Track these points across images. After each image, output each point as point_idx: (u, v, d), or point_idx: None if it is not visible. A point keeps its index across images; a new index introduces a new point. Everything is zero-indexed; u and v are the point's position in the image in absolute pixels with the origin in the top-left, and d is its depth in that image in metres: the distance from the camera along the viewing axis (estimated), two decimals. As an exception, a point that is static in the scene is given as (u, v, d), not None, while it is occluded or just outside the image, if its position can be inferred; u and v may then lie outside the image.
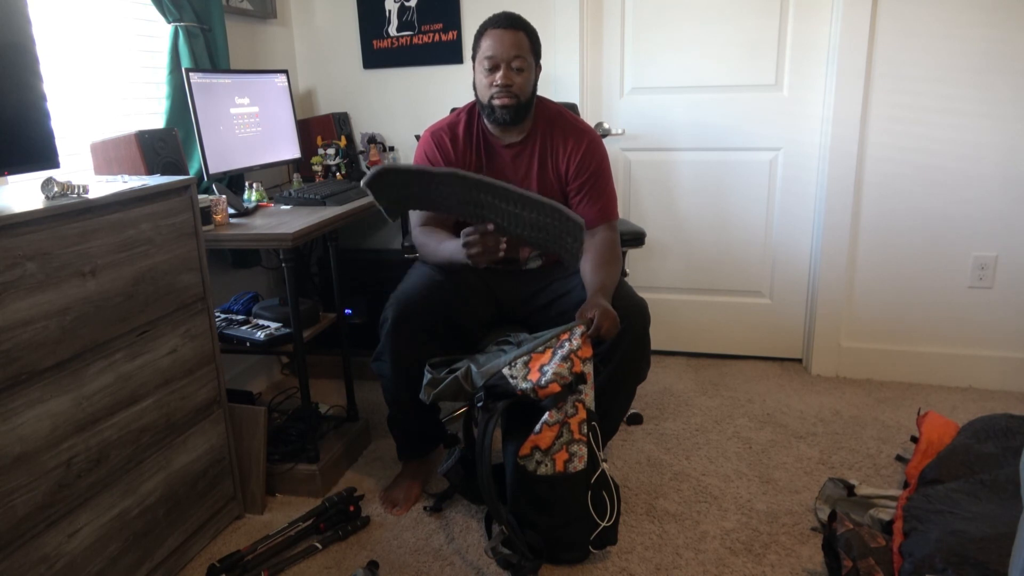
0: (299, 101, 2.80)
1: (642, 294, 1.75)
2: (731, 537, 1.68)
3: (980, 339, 2.42)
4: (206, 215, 1.80)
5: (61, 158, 1.39)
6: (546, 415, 1.50)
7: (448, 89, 2.69)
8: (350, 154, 2.67)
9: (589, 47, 2.57)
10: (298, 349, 1.85)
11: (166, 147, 1.87)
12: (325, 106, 2.86)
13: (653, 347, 1.76)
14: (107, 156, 1.82)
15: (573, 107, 2.30)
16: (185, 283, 1.60)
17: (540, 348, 1.52)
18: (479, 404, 1.55)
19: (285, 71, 2.43)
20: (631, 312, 1.64)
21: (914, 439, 1.95)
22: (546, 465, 1.52)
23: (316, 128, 2.64)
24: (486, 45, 1.69)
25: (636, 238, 2.11)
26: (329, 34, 2.77)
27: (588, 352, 1.51)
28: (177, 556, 1.61)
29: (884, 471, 1.93)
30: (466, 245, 1.54)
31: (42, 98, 1.33)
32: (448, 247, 1.66)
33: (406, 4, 2.64)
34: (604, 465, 1.59)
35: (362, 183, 1.46)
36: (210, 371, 1.70)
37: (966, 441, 1.73)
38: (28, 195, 1.36)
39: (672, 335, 2.78)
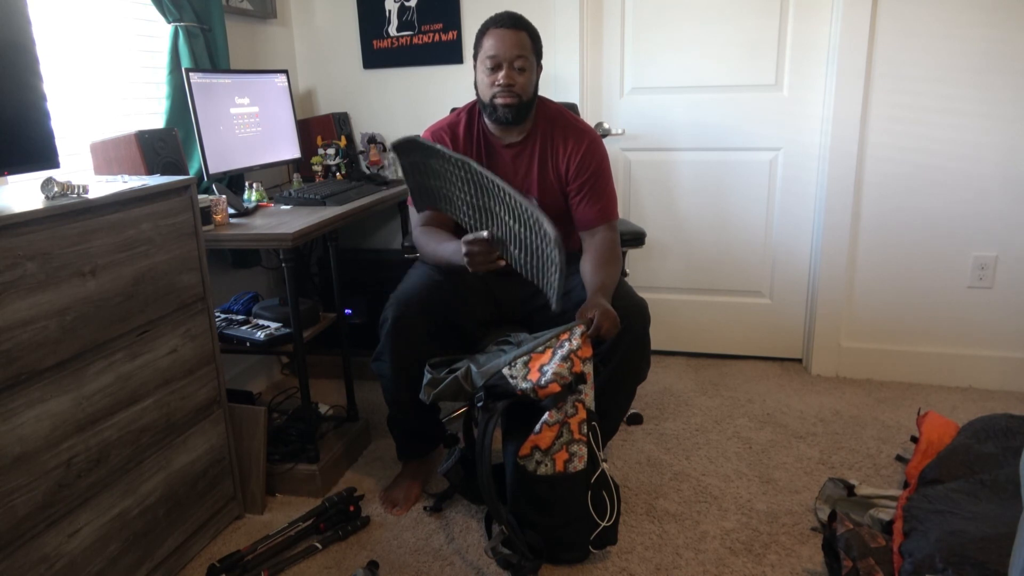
0: (299, 101, 2.80)
1: (642, 294, 1.75)
2: (731, 537, 1.68)
3: (980, 339, 2.42)
4: (206, 215, 1.80)
5: (61, 158, 1.39)
6: (546, 415, 1.50)
7: (448, 89, 2.69)
8: (350, 154, 2.66)
9: (589, 47, 2.57)
10: (298, 349, 1.85)
11: (166, 147, 1.87)
12: (325, 106, 2.86)
13: (653, 347, 1.76)
14: (107, 156, 1.82)
15: (573, 107, 2.30)
16: (185, 283, 1.60)
17: (540, 348, 1.52)
18: (479, 404, 1.55)
19: (285, 71, 2.43)
20: (631, 312, 1.64)
21: (914, 439, 1.95)
22: (546, 465, 1.52)
23: (316, 128, 2.64)
24: (488, 44, 1.69)
25: (636, 238, 2.11)
26: (329, 34, 2.77)
27: (588, 352, 1.51)
28: (177, 556, 1.61)
29: (884, 471, 1.93)
30: (467, 254, 1.55)
31: (42, 98, 1.33)
32: (448, 248, 1.66)
33: (406, 4, 2.64)
34: (604, 465, 1.59)
35: (391, 144, 1.55)
36: (210, 371, 1.70)
37: (966, 441, 1.73)
38: (28, 195, 1.36)
39: (672, 335, 2.78)
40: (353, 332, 2.59)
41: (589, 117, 2.59)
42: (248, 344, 1.86)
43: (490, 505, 1.54)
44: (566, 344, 1.50)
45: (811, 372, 2.59)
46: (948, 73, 2.24)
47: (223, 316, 2.00)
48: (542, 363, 1.50)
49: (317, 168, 2.52)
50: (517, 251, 1.48)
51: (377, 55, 2.72)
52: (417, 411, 1.77)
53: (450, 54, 2.65)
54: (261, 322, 1.94)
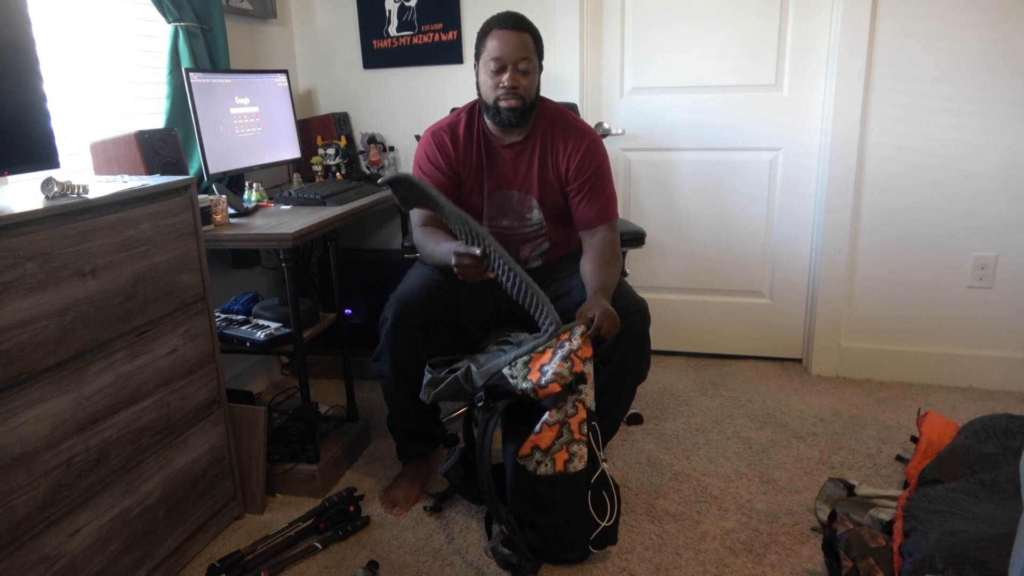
0: (299, 101, 2.80)
1: (642, 294, 1.75)
2: (731, 537, 1.68)
3: (980, 339, 2.42)
4: (206, 215, 1.80)
5: (61, 158, 1.39)
6: (546, 415, 1.50)
7: (448, 89, 2.69)
8: (350, 154, 2.67)
9: (589, 47, 2.57)
10: (298, 349, 1.85)
11: (166, 147, 1.87)
12: (325, 106, 2.86)
13: (653, 347, 1.76)
14: (107, 156, 1.82)
15: (573, 107, 2.30)
16: (185, 283, 1.60)
17: (540, 348, 1.52)
18: (479, 404, 1.55)
19: (285, 71, 2.43)
20: (631, 312, 1.64)
21: (914, 439, 1.95)
22: (546, 465, 1.52)
23: (316, 128, 2.64)
24: (492, 46, 1.68)
25: (636, 238, 2.11)
26: (329, 34, 2.77)
27: (588, 352, 1.51)
28: (177, 556, 1.61)
29: (884, 471, 1.93)
30: (457, 265, 1.56)
31: (42, 98, 1.33)
32: (443, 250, 1.66)
33: (406, 4, 2.64)
34: (604, 465, 1.59)
35: (380, 181, 1.56)
36: (210, 371, 1.70)
37: (966, 441, 1.73)
38: (28, 195, 1.36)
39: (672, 335, 2.78)
40: (353, 332, 2.59)
41: (589, 117, 2.59)
42: (248, 344, 1.86)
43: (490, 505, 1.54)
44: (566, 344, 1.50)
45: (811, 372, 2.59)
46: (948, 73, 2.24)
47: (223, 316, 2.00)
48: (542, 363, 1.50)
49: (317, 168, 2.52)
50: (507, 279, 1.55)
51: (377, 55, 2.72)
52: (417, 411, 1.77)
53: (450, 54, 2.65)
54: (261, 322, 1.94)
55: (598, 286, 1.64)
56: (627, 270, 2.21)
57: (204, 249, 1.66)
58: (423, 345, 1.68)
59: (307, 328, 1.93)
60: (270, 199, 2.18)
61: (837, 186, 2.40)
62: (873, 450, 2.04)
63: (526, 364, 1.51)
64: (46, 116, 1.34)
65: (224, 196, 1.91)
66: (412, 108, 2.76)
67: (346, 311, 2.57)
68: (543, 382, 1.47)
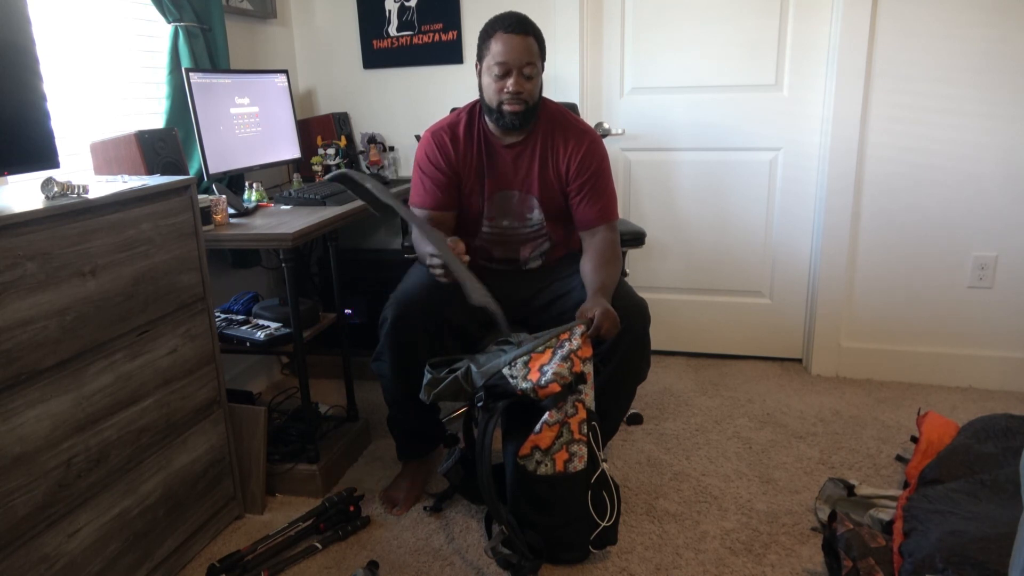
0: (299, 101, 2.80)
1: (642, 294, 1.75)
2: (731, 537, 1.68)
3: (980, 339, 2.42)
4: (206, 215, 1.80)
5: (61, 158, 1.39)
6: (546, 415, 1.50)
7: (448, 89, 2.69)
8: (350, 154, 2.67)
9: (589, 47, 2.57)
10: (298, 349, 1.85)
11: (166, 147, 1.87)
12: (325, 106, 2.86)
13: (653, 347, 1.76)
14: (107, 156, 1.82)
15: (573, 107, 2.30)
16: (185, 283, 1.60)
17: (540, 348, 1.52)
18: (479, 404, 1.55)
19: (285, 71, 2.43)
20: (631, 312, 1.64)
21: (914, 439, 1.95)
22: (546, 465, 1.52)
23: (316, 128, 2.64)
24: (496, 50, 1.66)
25: (636, 238, 2.11)
26: (329, 34, 2.77)
27: (588, 352, 1.51)
28: (177, 556, 1.61)
29: (884, 471, 1.93)
30: (429, 265, 1.61)
31: (42, 98, 1.33)
32: (424, 250, 1.67)
33: (406, 4, 2.64)
34: (604, 465, 1.59)
35: (327, 178, 1.66)
36: (210, 371, 1.70)
37: (966, 441, 1.73)
38: (28, 195, 1.36)
39: (672, 335, 2.78)
40: (353, 332, 2.59)
41: (589, 117, 2.59)
42: (248, 344, 1.86)
43: (490, 505, 1.54)
44: (566, 344, 1.50)
45: (811, 372, 2.59)
46: (948, 73, 2.24)
47: (223, 316, 2.00)
48: (542, 363, 1.50)
49: (317, 168, 2.52)
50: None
51: (377, 55, 2.72)
52: (417, 411, 1.77)
53: (450, 54, 2.65)
54: (261, 322, 1.94)
55: (598, 286, 1.64)
56: (627, 270, 2.21)
57: (204, 249, 1.66)
58: (423, 345, 1.68)
59: (307, 328, 1.93)
60: (270, 199, 2.17)
61: (837, 186, 2.40)
62: (873, 450, 2.04)
63: (526, 364, 1.51)
64: (46, 116, 1.34)
65: (224, 196, 1.91)
66: (412, 108, 2.76)
67: (346, 311, 2.57)
68: (543, 382, 1.47)
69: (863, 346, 2.53)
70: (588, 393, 1.54)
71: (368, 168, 2.70)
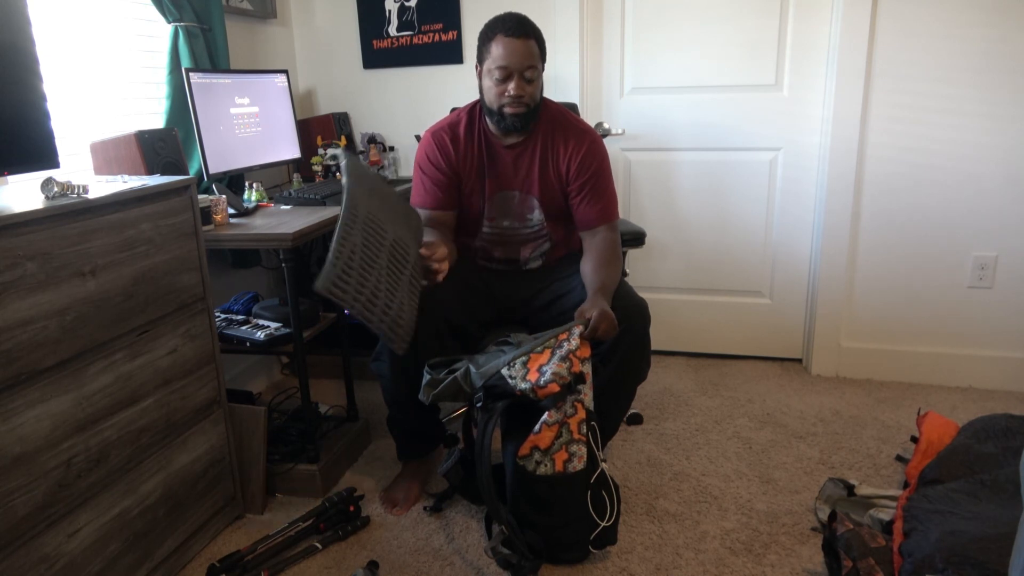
0: (299, 101, 2.80)
1: (642, 294, 1.75)
2: (731, 537, 1.68)
3: (980, 339, 2.42)
4: (206, 215, 1.80)
5: (61, 158, 1.39)
6: (545, 415, 1.50)
7: (448, 89, 2.69)
8: (350, 154, 2.66)
9: (589, 47, 2.57)
10: (298, 349, 1.85)
11: (166, 147, 1.87)
12: (325, 106, 2.86)
13: (653, 347, 1.76)
14: (107, 156, 1.82)
15: (573, 107, 2.30)
16: (185, 283, 1.60)
17: (539, 348, 1.52)
18: (478, 404, 1.55)
19: (285, 71, 2.43)
20: (631, 312, 1.64)
21: (914, 439, 1.95)
22: (546, 465, 1.52)
23: (316, 128, 2.64)
24: (497, 53, 1.65)
25: (636, 238, 2.11)
26: (329, 34, 2.77)
27: (586, 352, 1.51)
28: (177, 556, 1.61)
29: (884, 471, 1.93)
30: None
31: (42, 98, 1.33)
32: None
33: (406, 4, 2.64)
34: (604, 465, 1.59)
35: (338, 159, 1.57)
36: (210, 371, 1.70)
37: (966, 441, 1.73)
38: (28, 195, 1.36)
39: (672, 335, 2.78)
40: (353, 332, 2.58)
41: (589, 117, 2.59)
42: (248, 344, 1.86)
43: (490, 505, 1.54)
44: (564, 344, 1.50)
45: (811, 372, 2.59)
46: (948, 73, 2.24)
47: (223, 316, 2.00)
48: (541, 363, 1.50)
49: (317, 168, 2.52)
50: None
51: (377, 55, 2.72)
52: (417, 411, 1.77)
53: (450, 54, 2.65)
54: (261, 322, 1.94)
55: (598, 286, 1.64)
56: (627, 270, 2.21)
57: (204, 249, 1.66)
58: (422, 345, 1.68)
59: (307, 328, 1.93)
60: (270, 199, 2.18)
61: (837, 186, 2.40)
62: (873, 450, 2.04)
63: (524, 364, 1.51)
64: (46, 116, 1.34)
65: (224, 196, 1.91)
66: (412, 108, 2.76)
67: (346, 311, 2.57)
68: (542, 382, 1.47)
69: (863, 346, 2.53)
70: (587, 393, 1.54)
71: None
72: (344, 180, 1.47)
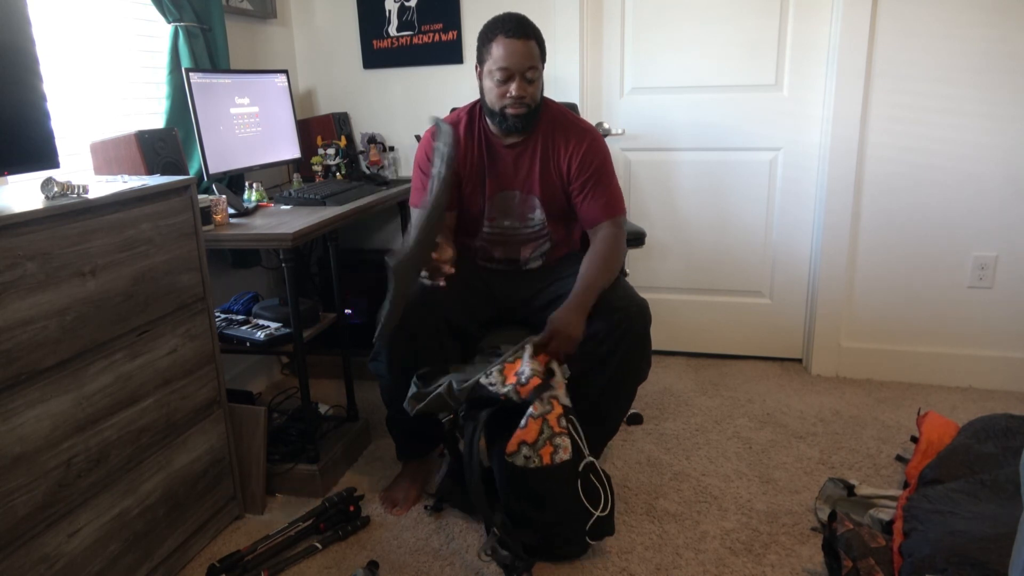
0: (299, 101, 2.80)
1: (642, 294, 1.75)
2: (731, 537, 1.68)
3: (980, 339, 2.42)
4: (206, 215, 1.80)
5: (61, 158, 1.39)
6: (531, 408, 1.51)
7: (448, 89, 2.69)
8: (350, 154, 2.66)
9: (589, 47, 2.57)
10: (298, 349, 1.85)
11: (166, 147, 1.87)
12: (325, 106, 2.86)
13: (653, 347, 1.76)
14: (107, 156, 1.82)
15: (573, 107, 2.30)
16: (185, 283, 1.60)
17: (511, 359, 1.56)
18: (462, 415, 1.56)
19: (285, 71, 2.43)
20: (631, 312, 1.64)
21: (914, 439, 1.95)
22: (534, 460, 1.52)
23: (316, 128, 2.64)
24: (498, 54, 1.65)
25: (636, 238, 2.11)
26: (329, 34, 2.77)
27: (545, 359, 1.56)
28: (177, 556, 1.61)
29: (884, 471, 1.93)
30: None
31: (42, 98, 1.33)
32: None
33: (406, 4, 2.64)
34: (588, 457, 1.59)
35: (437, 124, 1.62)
36: (210, 371, 1.70)
37: (966, 441, 1.73)
38: (28, 195, 1.36)
39: (672, 335, 2.78)
40: (353, 332, 2.58)
41: (589, 117, 2.59)
42: (248, 344, 1.86)
43: (481, 510, 1.54)
44: (525, 356, 1.55)
45: (811, 372, 2.59)
46: (948, 73, 2.24)
47: (223, 316, 2.00)
48: (516, 370, 1.53)
49: (317, 168, 2.52)
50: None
51: (377, 55, 2.72)
52: (416, 411, 1.77)
53: (450, 54, 2.65)
54: (261, 322, 1.94)
55: (580, 288, 1.65)
56: (627, 270, 2.21)
57: (204, 249, 1.66)
58: (421, 345, 1.68)
59: (307, 328, 1.93)
60: (270, 199, 2.18)
61: (837, 186, 2.40)
62: (873, 450, 2.04)
63: (501, 372, 1.54)
64: (46, 116, 1.34)
65: (224, 196, 1.91)
66: (412, 108, 2.76)
67: (346, 311, 2.57)
68: (523, 379, 1.50)
69: (863, 346, 2.53)
70: (561, 386, 1.56)
71: (368, 168, 2.70)
72: (445, 151, 1.49)
